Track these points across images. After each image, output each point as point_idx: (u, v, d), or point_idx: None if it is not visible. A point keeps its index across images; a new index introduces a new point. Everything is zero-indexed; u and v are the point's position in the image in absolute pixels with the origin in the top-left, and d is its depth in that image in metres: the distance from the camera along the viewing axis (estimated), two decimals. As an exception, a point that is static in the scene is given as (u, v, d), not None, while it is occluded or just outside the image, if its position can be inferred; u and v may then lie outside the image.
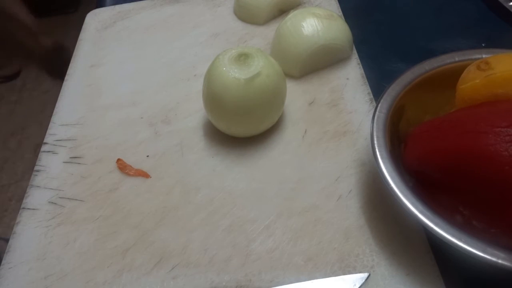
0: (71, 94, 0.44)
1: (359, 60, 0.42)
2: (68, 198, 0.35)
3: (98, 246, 0.31)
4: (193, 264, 0.30)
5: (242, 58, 0.33)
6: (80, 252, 0.31)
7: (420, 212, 0.24)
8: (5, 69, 1.51)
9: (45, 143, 0.39)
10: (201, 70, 0.44)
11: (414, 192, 0.25)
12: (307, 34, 0.39)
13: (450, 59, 0.32)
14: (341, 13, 0.47)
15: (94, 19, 0.52)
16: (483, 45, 0.42)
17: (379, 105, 0.30)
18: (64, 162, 0.37)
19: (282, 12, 0.48)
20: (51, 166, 0.37)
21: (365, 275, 0.27)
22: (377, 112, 0.29)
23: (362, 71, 0.41)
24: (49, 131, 0.40)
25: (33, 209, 0.34)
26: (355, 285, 0.27)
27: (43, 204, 0.34)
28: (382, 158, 0.27)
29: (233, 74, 0.33)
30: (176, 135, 0.38)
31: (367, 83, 0.39)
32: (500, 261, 0.22)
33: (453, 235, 0.23)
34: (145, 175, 0.35)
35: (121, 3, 0.54)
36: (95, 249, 0.31)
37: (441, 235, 0.23)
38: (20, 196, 0.41)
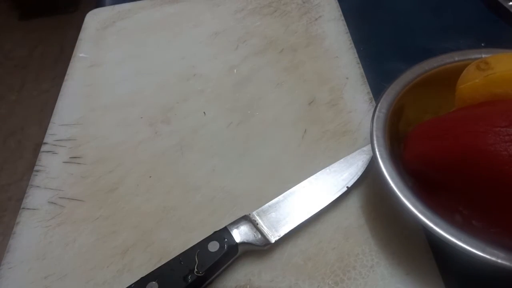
0: (70, 94, 0.44)
1: (358, 60, 0.42)
2: (68, 198, 0.35)
3: (98, 246, 0.31)
4: (193, 264, 0.30)
5: None
6: (80, 252, 0.31)
7: (420, 212, 0.24)
8: None
9: (45, 143, 0.39)
10: (201, 69, 0.44)
11: (414, 192, 0.25)
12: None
13: (450, 59, 0.32)
14: (341, 13, 0.47)
15: (94, 19, 0.52)
16: (482, 45, 0.42)
17: (379, 104, 0.30)
18: (64, 162, 0.37)
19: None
20: (51, 166, 0.37)
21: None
22: (376, 112, 0.29)
23: (362, 70, 0.41)
24: (49, 131, 0.40)
25: (33, 209, 0.34)
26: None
27: (43, 204, 0.34)
28: (381, 158, 0.27)
29: None
30: (176, 135, 0.38)
31: (366, 82, 0.39)
32: (499, 260, 0.22)
33: (452, 235, 0.23)
34: None
35: (121, 3, 0.54)
36: (95, 249, 0.31)
37: (440, 234, 0.23)
38: (20, 196, 0.41)
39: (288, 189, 0.32)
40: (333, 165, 0.32)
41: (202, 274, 0.26)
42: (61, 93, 0.44)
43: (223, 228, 0.29)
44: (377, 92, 0.38)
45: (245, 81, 0.42)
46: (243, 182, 0.34)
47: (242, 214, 0.30)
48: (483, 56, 0.30)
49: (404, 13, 0.48)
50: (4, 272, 0.31)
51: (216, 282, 0.28)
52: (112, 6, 0.54)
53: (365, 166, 0.32)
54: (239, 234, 0.28)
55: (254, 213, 0.30)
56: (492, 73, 0.26)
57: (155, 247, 0.31)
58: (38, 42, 1.74)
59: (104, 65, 0.46)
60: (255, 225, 0.29)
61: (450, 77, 0.29)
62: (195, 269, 0.26)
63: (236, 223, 0.29)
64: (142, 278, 0.27)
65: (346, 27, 0.46)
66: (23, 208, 0.34)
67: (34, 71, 1.59)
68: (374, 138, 0.28)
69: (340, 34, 0.45)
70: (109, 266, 0.30)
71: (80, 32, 0.51)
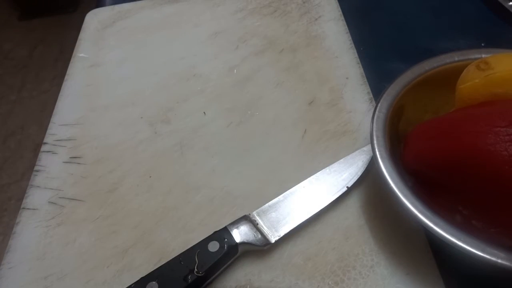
0: (71, 94, 0.44)
1: (358, 60, 0.42)
2: (68, 198, 0.35)
3: (98, 246, 0.31)
4: (193, 264, 0.30)
5: None
6: (80, 252, 0.31)
7: (420, 212, 0.24)
8: None
9: (45, 143, 0.39)
10: (201, 70, 0.44)
11: (414, 192, 0.25)
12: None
13: (450, 59, 0.32)
14: (341, 13, 0.47)
15: (94, 19, 0.52)
16: (482, 45, 0.42)
17: (379, 104, 0.30)
18: (64, 162, 0.37)
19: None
20: (51, 166, 0.37)
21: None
22: (376, 112, 0.29)
23: (362, 70, 0.41)
24: (49, 131, 0.40)
25: (33, 209, 0.34)
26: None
27: (43, 204, 0.34)
28: (381, 158, 0.27)
29: None
30: (176, 135, 0.38)
31: (366, 82, 0.39)
32: (499, 260, 0.22)
33: (452, 235, 0.23)
34: None
35: (121, 3, 0.54)
36: (95, 249, 0.31)
37: (440, 234, 0.23)
38: (20, 196, 0.41)
39: (288, 189, 0.32)
40: (333, 165, 0.32)
41: (202, 274, 0.26)
42: (61, 93, 0.44)
43: (223, 228, 0.29)
44: (377, 92, 0.38)
45: (245, 81, 0.42)
46: (243, 182, 0.34)
47: (242, 214, 0.30)
48: (483, 56, 0.30)
49: (404, 13, 0.48)
50: (4, 272, 0.31)
51: (216, 282, 0.28)
52: (112, 6, 0.54)
53: (365, 166, 0.32)
54: (239, 234, 0.28)
55: (254, 213, 0.30)
56: (492, 73, 0.26)
57: (155, 247, 0.31)
58: (38, 42, 1.74)
59: (104, 65, 0.46)
60: (255, 225, 0.29)
61: (450, 77, 0.29)
62: (195, 269, 0.26)
63: (236, 223, 0.29)
64: (142, 278, 0.27)
65: (346, 27, 0.46)
66: (23, 208, 0.34)
67: (34, 71, 1.59)
68: (374, 138, 0.28)
69: (340, 34, 0.45)
70: (109, 266, 0.30)
71: (80, 32, 0.51)
